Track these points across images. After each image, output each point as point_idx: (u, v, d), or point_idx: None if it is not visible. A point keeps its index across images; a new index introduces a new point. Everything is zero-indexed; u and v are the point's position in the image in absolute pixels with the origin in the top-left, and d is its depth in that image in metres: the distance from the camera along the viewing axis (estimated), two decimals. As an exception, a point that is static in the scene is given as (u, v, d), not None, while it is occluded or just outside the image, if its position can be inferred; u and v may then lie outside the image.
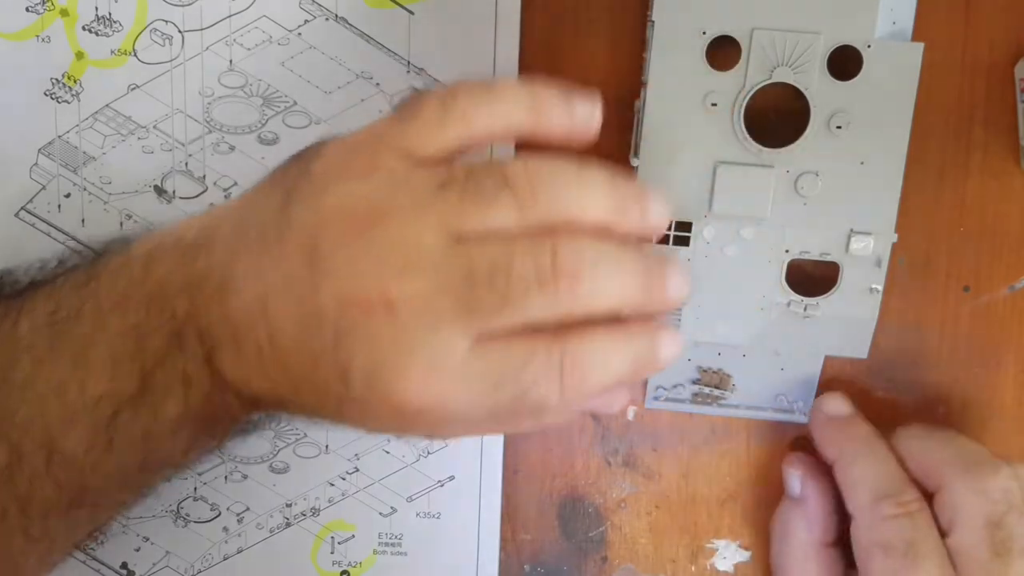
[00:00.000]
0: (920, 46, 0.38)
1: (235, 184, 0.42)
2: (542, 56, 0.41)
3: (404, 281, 0.28)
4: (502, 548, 0.45)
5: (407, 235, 0.29)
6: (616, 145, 0.41)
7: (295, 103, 0.41)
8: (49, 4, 0.41)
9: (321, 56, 0.41)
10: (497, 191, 0.29)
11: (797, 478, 0.42)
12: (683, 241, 0.39)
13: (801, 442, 0.44)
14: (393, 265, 0.29)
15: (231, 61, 0.41)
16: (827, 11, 0.37)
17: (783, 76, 0.37)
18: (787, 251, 0.39)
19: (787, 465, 0.43)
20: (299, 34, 0.41)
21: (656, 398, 0.43)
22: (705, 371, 0.42)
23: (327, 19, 0.41)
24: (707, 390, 0.42)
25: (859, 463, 0.39)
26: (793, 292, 0.40)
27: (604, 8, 0.41)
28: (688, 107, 0.38)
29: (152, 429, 0.32)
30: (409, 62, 0.41)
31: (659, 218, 0.31)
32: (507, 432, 0.31)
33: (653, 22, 0.37)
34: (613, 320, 0.30)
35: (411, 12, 0.41)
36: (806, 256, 0.40)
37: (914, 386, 0.43)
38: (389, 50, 0.41)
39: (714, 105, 0.38)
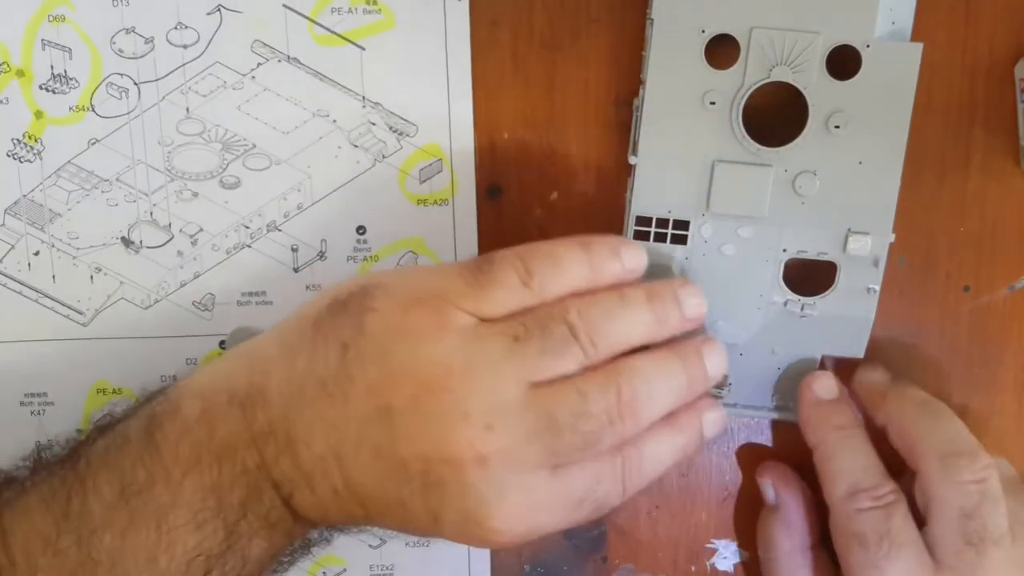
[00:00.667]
0: (919, 46, 0.37)
1: (200, 230, 0.42)
2: (543, 57, 0.42)
3: (492, 437, 0.31)
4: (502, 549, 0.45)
5: (488, 392, 0.31)
6: (616, 144, 0.41)
7: (254, 145, 0.42)
8: (4, 66, 0.41)
9: (276, 97, 0.41)
10: (567, 344, 0.32)
11: (770, 486, 0.42)
12: (680, 240, 0.39)
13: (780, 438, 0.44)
14: (478, 423, 0.31)
15: (188, 109, 0.42)
16: (826, 11, 0.37)
17: (782, 75, 0.37)
18: (784, 250, 0.39)
19: (759, 475, 0.43)
20: (253, 77, 0.41)
21: None
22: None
23: (279, 60, 0.41)
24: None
25: (837, 455, 0.39)
26: (790, 291, 0.40)
27: (604, 7, 0.41)
28: (687, 105, 0.38)
29: (244, 573, 0.34)
30: (364, 97, 0.41)
31: (697, 311, 0.35)
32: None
33: (652, 20, 0.37)
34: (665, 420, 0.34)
35: (362, 48, 0.41)
36: (803, 255, 0.39)
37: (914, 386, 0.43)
38: (343, 86, 0.41)
39: (713, 104, 0.38)
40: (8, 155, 0.42)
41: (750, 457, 0.44)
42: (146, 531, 0.32)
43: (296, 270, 0.42)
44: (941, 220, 0.42)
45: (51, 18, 0.41)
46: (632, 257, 0.35)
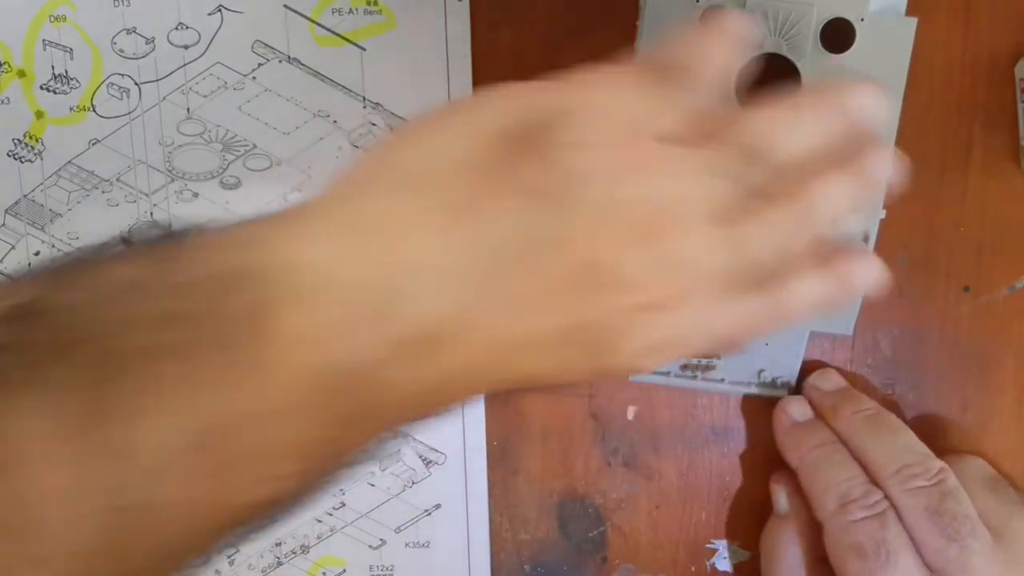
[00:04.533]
0: (913, 21, 0.37)
1: (201, 230, 0.42)
2: (543, 57, 0.42)
3: (692, 278, 0.27)
4: (502, 549, 0.45)
5: (690, 233, 0.27)
6: None
7: (255, 146, 0.42)
8: (6, 66, 0.41)
9: (277, 98, 0.42)
10: (755, 175, 0.28)
11: (784, 494, 0.42)
12: None
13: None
14: (683, 266, 0.27)
15: (188, 109, 0.42)
16: None
17: (775, 47, 0.37)
18: None
19: (774, 482, 0.42)
20: (253, 78, 0.41)
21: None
22: None
23: (280, 61, 0.41)
24: (694, 360, 0.42)
25: (821, 471, 0.39)
26: None
27: (605, 7, 0.41)
28: None
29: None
30: (364, 97, 0.42)
31: (873, 111, 0.30)
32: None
33: None
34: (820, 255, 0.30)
35: (363, 48, 0.41)
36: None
37: (914, 386, 0.43)
38: (344, 87, 0.41)
39: None
40: (9, 155, 0.42)
41: (751, 458, 0.44)
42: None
43: (296, 270, 0.42)
44: (941, 220, 0.42)
45: (52, 18, 0.41)
46: (749, 30, 0.30)
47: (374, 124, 0.42)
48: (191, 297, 0.24)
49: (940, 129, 0.41)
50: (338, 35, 0.41)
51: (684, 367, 0.43)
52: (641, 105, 0.27)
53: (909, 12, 0.39)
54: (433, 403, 0.27)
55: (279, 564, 0.45)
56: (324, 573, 0.45)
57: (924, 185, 0.42)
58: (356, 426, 0.26)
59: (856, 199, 0.30)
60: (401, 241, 0.25)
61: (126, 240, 0.26)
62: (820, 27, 0.37)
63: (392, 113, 0.42)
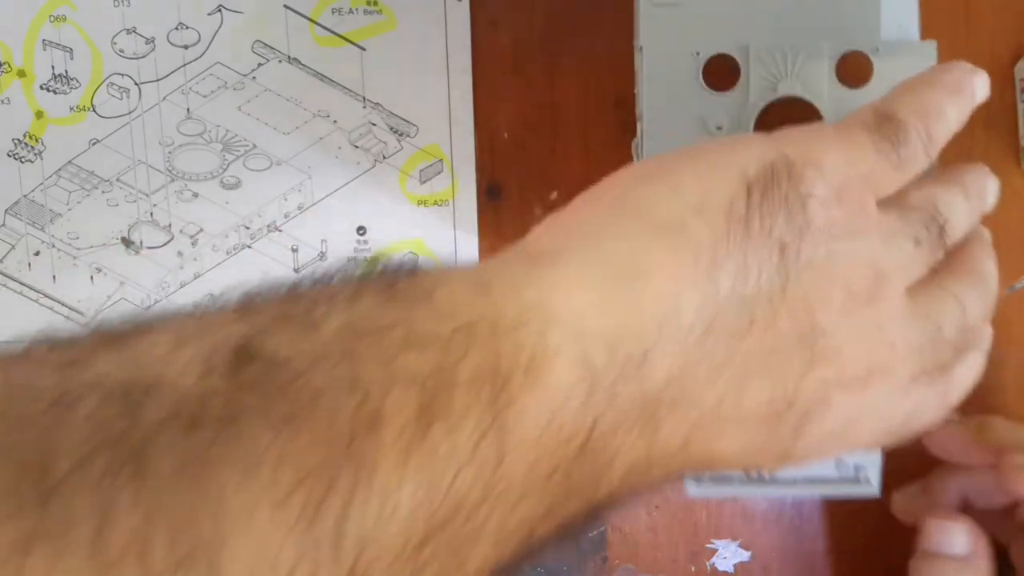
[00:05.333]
0: (932, 45, 0.35)
1: (200, 230, 0.42)
2: (543, 57, 0.42)
3: (888, 352, 0.26)
4: None
5: (894, 301, 0.26)
6: (616, 144, 0.41)
7: (255, 146, 0.42)
8: (6, 66, 0.41)
9: (277, 98, 0.42)
10: (942, 248, 0.28)
11: (966, 534, 0.36)
12: None
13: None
14: (885, 338, 0.26)
15: (188, 109, 0.42)
16: (825, 21, 0.34)
17: (790, 89, 0.34)
18: None
19: (946, 519, 0.37)
20: (253, 78, 0.41)
21: (699, 481, 0.36)
22: None
23: (280, 61, 0.41)
24: None
25: None
26: None
27: (605, 7, 0.41)
28: (690, 134, 0.35)
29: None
30: (364, 97, 0.42)
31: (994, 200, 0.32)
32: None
33: (641, 48, 0.35)
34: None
35: (362, 48, 0.41)
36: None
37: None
38: (344, 87, 0.41)
39: (719, 128, 0.34)
40: (9, 155, 0.42)
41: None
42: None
43: (296, 270, 0.42)
44: None
45: (52, 18, 0.41)
46: (985, 88, 0.30)
47: (374, 124, 0.42)
48: (433, 354, 0.20)
49: (940, 129, 0.41)
50: (338, 35, 0.41)
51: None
52: (874, 166, 0.26)
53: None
54: (629, 487, 0.24)
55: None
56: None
57: None
58: (571, 503, 0.23)
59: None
60: (651, 290, 0.23)
61: (344, 274, 0.22)
62: (835, 64, 0.35)
63: (392, 113, 0.42)
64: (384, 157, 0.42)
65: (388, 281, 0.22)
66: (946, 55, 0.41)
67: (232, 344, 0.20)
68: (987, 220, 0.42)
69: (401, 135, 0.42)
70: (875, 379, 0.26)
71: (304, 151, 0.42)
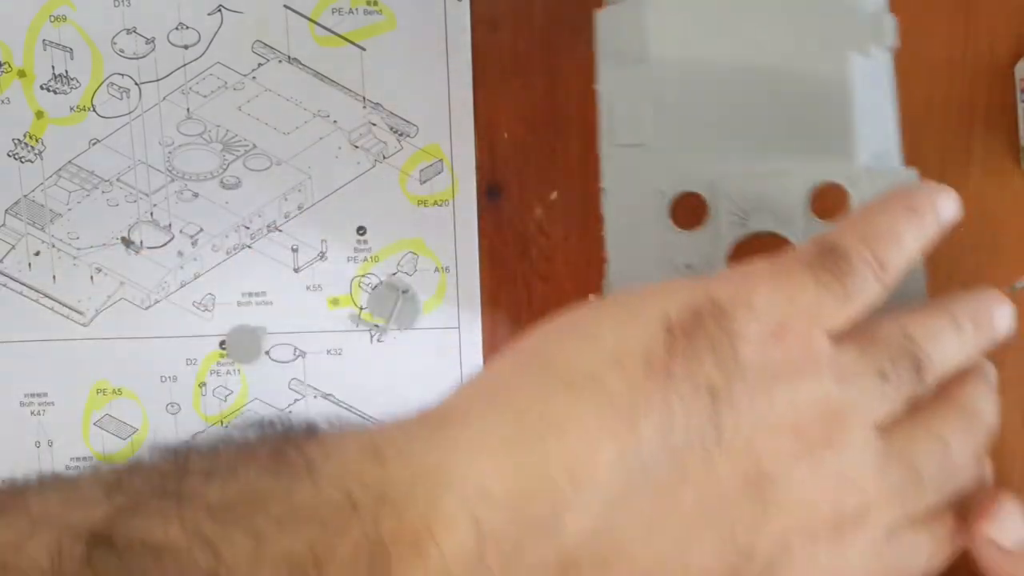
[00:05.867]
0: (913, 172, 0.32)
1: (201, 230, 0.42)
2: (543, 57, 0.42)
3: (857, 498, 0.24)
4: None
5: (862, 447, 0.24)
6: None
7: (255, 146, 0.42)
8: (6, 66, 0.41)
9: (277, 98, 0.42)
10: (917, 383, 0.26)
11: None
12: None
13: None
14: (849, 483, 0.24)
15: (188, 109, 0.42)
16: (796, 147, 0.32)
17: (761, 224, 0.32)
18: None
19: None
20: (253, 78, 0.41)
21: None
22: None
23: (280, 61, 0.41)
24: None
25: None
26: None
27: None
28: (659, 274, 0.33)
29: None
30: (364, 98, 0.42)
31: (1009, 329, 0.30)
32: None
33: (604, 190, 0.33)
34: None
35: (363, 48, 0.41)
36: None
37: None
38: (344, 87, 0.41)
39: (689, 267, 0.32)
40: (9, 155, 0.42)
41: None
42: None
43: (296, 270, 0.42)
44: None
45: (52, 18, 0.41)
46: (952, 210, 0.29)
47: (374, 124, 0.42)
48: (307, 533, 0.19)
49: (940, 129, 0.41)
50: (338, 35, 0.41)
51: None
52: (816, 300, 0.25)
53: (906, 18, 0.38)
54: None
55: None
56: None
57: None
58: None
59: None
60: (561, 449, 0.22)
61: (235, 437, 0.22)
62: (808, 196, 0.32)
63: (392, 113, 0.42)
64: (384, 157, 0.42)
65: (277, 447, 0.21)
66: (946, 54, 0.41)
67: (88, 529, 0.19)
68: (986, 220, 0.42)
69: (401, 135, 0.42)
70: (849, 527, 0.24)
71: (304, 151, 0.42)
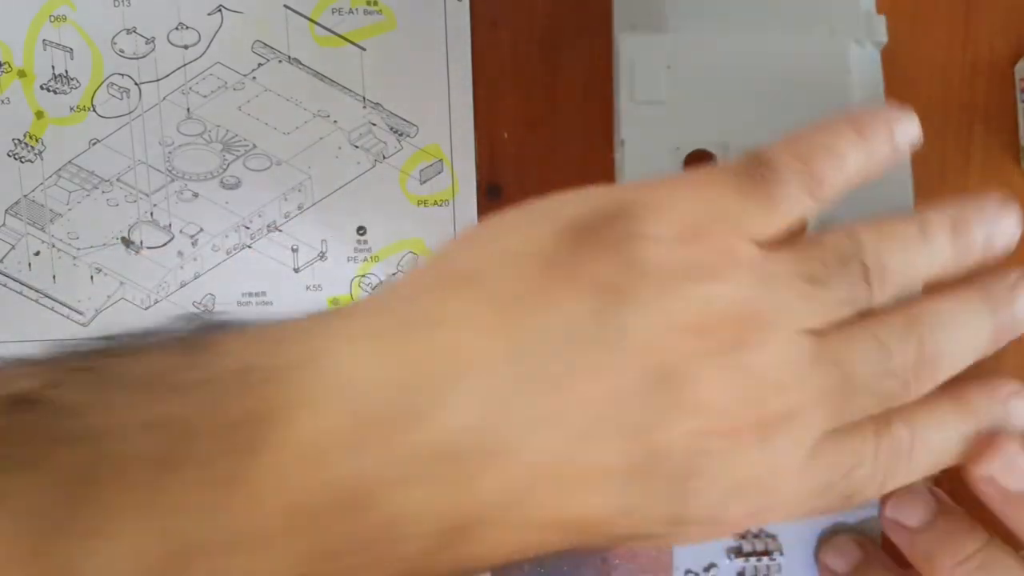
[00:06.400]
0: (907, 164, 0.34)
1: (201, 230, 0.42)
2: (543, 57, 0.42)
3: (781, 399, 0.24)
4: None
5: (783, 347, 0.24)
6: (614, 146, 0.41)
7: (255, 146, 0.42)
8: (6, 66, 0.41)
9: (277, 98, 0.42)
10: (861, 287, 0.25)
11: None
12: None
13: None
14: (768, 384, 0.24)
15: (188, 109, 0.42)
16: (797, 120, 0.33)
17: None
18: None
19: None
20: (253, 78, 0.41)
21: None
22: (743, 536, 0.32)
23: (280, 61, 0.41)
24: (753, 563, 0.32)
25: None
26: None
27: (604, 6, 0.41)
28: None
29: None
30: (364, 98, 0.42)
31: (1010, 239, 0.28)
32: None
33: (623, 142, 0.35)
34: (950, 391, 0.27)
35: (363, 48, 0.41)
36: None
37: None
38: (344, 87, 0.41)
39: None
40: (9, 154, 0.42)
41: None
42: None
43: (296, 270, 0.42)
44: None
45: (52, 18, 0.41)
46: (907, 132, 0.28)
47: (374, 124, 0.42)
48: (195, 399, 0.21)
49: (940, 129, 0.41)
50: (338, 35, 0.41)
51: (736, 551, 0.35)
52: (737, 206, 0.25)
53: (906, 18, 0.38)
54: (463, 555, 0.22)
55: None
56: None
57: (924, 185, 0.41)
58: (354, 570, 0.21)
59: (989, 333, 0.27)
60: (441, 340, 0.22)
61: (160, 331, 0.23)
62: None
63: (392, 113, 0.42)
64: (384, 157, 0.42)
65: (192, 336, 0.22)
66: (946, 54, 0.41)
67: (24, 389, 0.20)
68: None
69: (401, 135, 0.42)
70: (773, 431, 0.24)
71: (304, 151, 0.42)
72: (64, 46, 0.41)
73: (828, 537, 0.32)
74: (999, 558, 0.28)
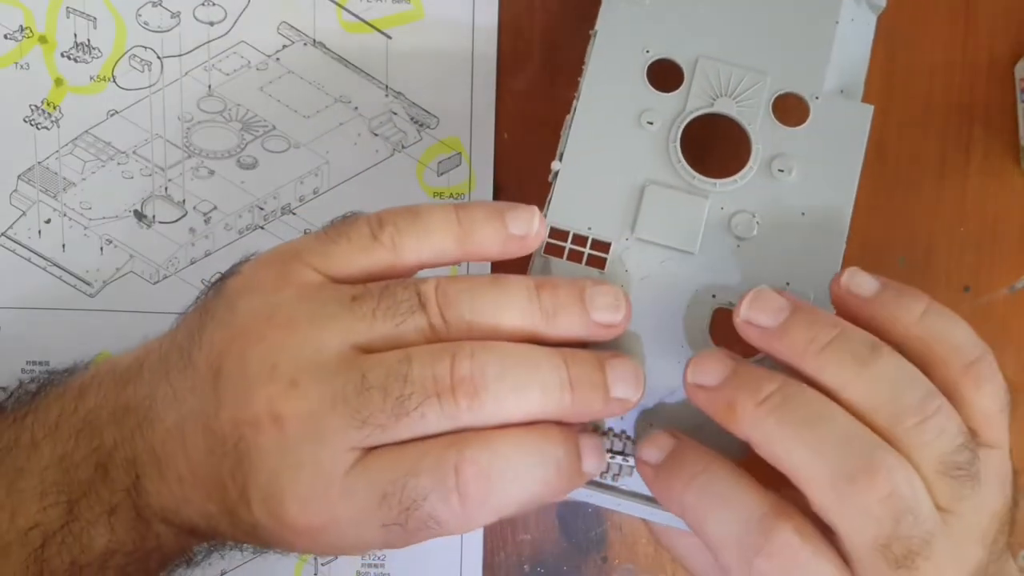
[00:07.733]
0: (869, 109, 0.35)
1: (214, 208, 0.42)
2: (543, 57, 0.42)
3: (294, 395, 0.27)
4: (501, 548, 0.45)
5: (302, 346, 0.28)
6: None
7: (274, 127, 0.42)
8: (28, 32, 0.41)
9: (299, 81, 0.41)
10: (410, 311, 0.28)
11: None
12: (598, 263, 0.34)
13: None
14: (282, 378, 0.27)
15: (210, 86, 0.41)
16: (775, 53, 0.35)
17: (725, 107, 0.35)
18: (714, 296, 0.34)
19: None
20: (277, 59, 0.41)
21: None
22: (605, 432, 0.32)
23: (305, 44, 0.41)
24: (616, 460, 0.32)
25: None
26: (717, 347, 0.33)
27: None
28: (622, 121, 0.35)
29: (80, 560, 0.31)
30: (387, 86, 0.41)
31: (608, 315, 0.30)
32: (412, 544, 0.28)
33: (596, 32, 0.36)
34: (527, 425, 0.28)
35: (389, 36, 0.41)
36: (734, 307, 0.32)
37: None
38: (367, 74, 0.41)
39: (650, 123, 0.35)
40: (25, 120, 0.41)
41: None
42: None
43: (308, 254, 0.42)
44: (941, 220, 0.42)
45: (78, -14, 0.41)
46: (519, 221, 0.31)
47: (395, 113, 0.42)
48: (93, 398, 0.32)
49: (940, 129, 0.42)
50: (365, 22, 0.41)
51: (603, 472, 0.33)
52: (308, 243, 0.30)
53: (906, 18, 0.38)
54: (145, 490, 0.30)
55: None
56: (315, 558, 0.45)
57: (924, 185, 0.42)
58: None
59: (543, 378, 0.28)
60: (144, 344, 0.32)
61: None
62: (773, 98, 0.35)
63: (414, 103, 0.42)
64: (403, 147, 0.42)
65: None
66: (946, 54, 0.41)
67: None
68: (986, 220, 0.42)
69: (421, 126, 0.42)
70: (273, 425, 0.27)
71: (323, 136, 0.42)
72: (88, 15, 0.41)
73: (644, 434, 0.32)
74: (798, 391, 0.29)
